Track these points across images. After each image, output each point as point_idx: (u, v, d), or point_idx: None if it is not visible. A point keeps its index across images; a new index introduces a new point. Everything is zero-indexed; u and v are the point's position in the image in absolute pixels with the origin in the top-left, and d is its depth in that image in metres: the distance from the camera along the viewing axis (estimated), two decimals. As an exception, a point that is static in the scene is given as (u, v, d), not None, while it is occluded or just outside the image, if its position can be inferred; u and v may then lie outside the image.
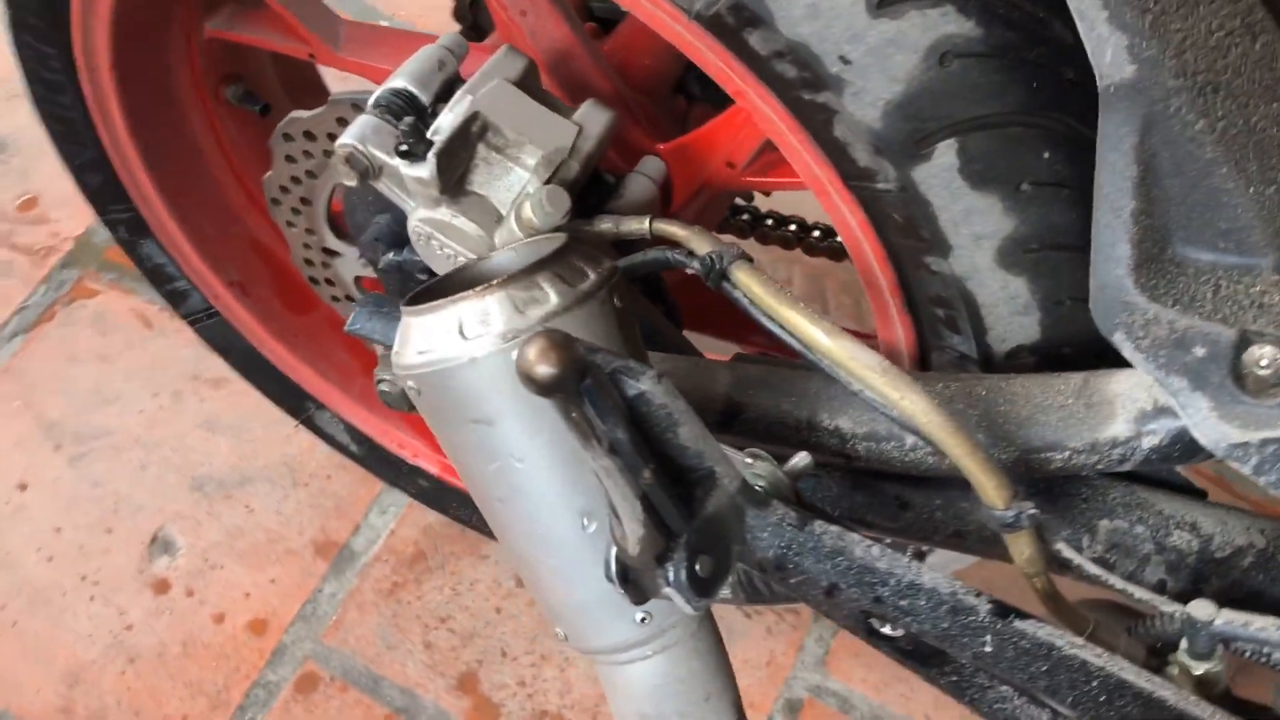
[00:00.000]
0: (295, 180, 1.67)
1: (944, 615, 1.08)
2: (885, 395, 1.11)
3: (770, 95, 1.24)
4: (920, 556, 1.53)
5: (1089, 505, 1.25)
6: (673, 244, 1.29)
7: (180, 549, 2.25)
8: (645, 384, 1.02)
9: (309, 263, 1.79)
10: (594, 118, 1.41)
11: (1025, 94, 1.19)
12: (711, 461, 1.07)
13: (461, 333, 1.14)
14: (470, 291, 1.15)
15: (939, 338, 1.37)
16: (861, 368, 1.12)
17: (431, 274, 1.50)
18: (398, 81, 1.41)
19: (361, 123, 1.37)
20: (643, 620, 1.19)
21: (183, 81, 1.84)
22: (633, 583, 1.07)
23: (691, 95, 1.77)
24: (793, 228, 1.90)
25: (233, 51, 1.86)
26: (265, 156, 1.95)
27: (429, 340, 1.16)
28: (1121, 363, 1.10)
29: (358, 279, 1.78)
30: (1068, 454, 1.18)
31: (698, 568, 1.05)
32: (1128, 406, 1.15)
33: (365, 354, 2.08)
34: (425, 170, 1.33)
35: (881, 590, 1.10)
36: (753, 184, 1.57)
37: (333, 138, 1.59)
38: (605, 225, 1.33)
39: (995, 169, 1.22)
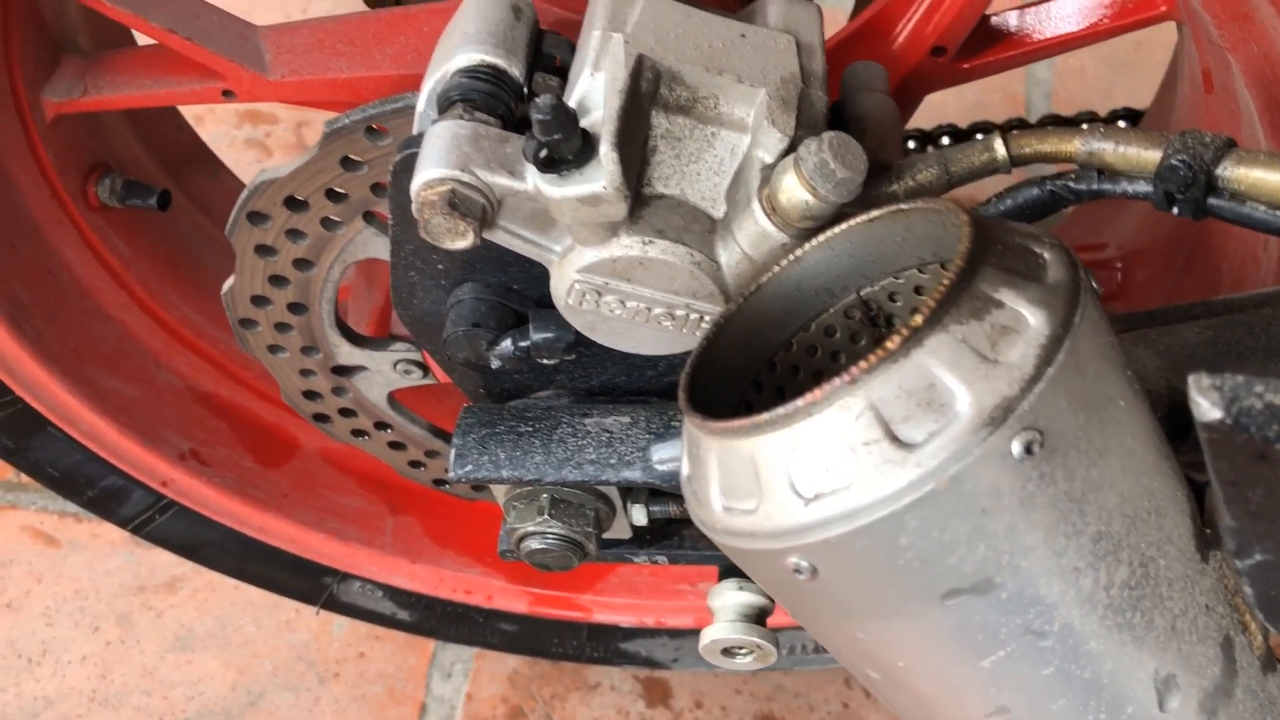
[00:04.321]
0: (277, 281, 1.01)
1: None
2: None
3: None
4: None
5: None
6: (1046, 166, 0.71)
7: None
8: None
9: (311, 395, 1.13)
10: (798, 18, 0.80)
11: None
12: None
13: (894, 437, 0.53)
14: (872, 358, 0.54)
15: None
16: None
17: (580, 348, 0.88)
18: (466, 55, 0.77)
19: (447, 137, 0.73)
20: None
21: (29, 194, 1.15)
22: None
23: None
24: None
25: (91, 131, 1.18)
26: (182, 266, 1.28)
27: (816, 472, 0.55)
28: None
29: (391, 396, 1.14)
30: None
31: None
32: None
33: (388, 488, 1.43)
34: (601, 178, 0.70)
35: None
36: (978, 72, 0.99)
37: (334, 195, 0.94)
38: (928, 171, 0.73)
39: None
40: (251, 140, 1.94)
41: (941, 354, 0.54)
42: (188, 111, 1.44)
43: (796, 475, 0.56)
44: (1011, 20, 0.98)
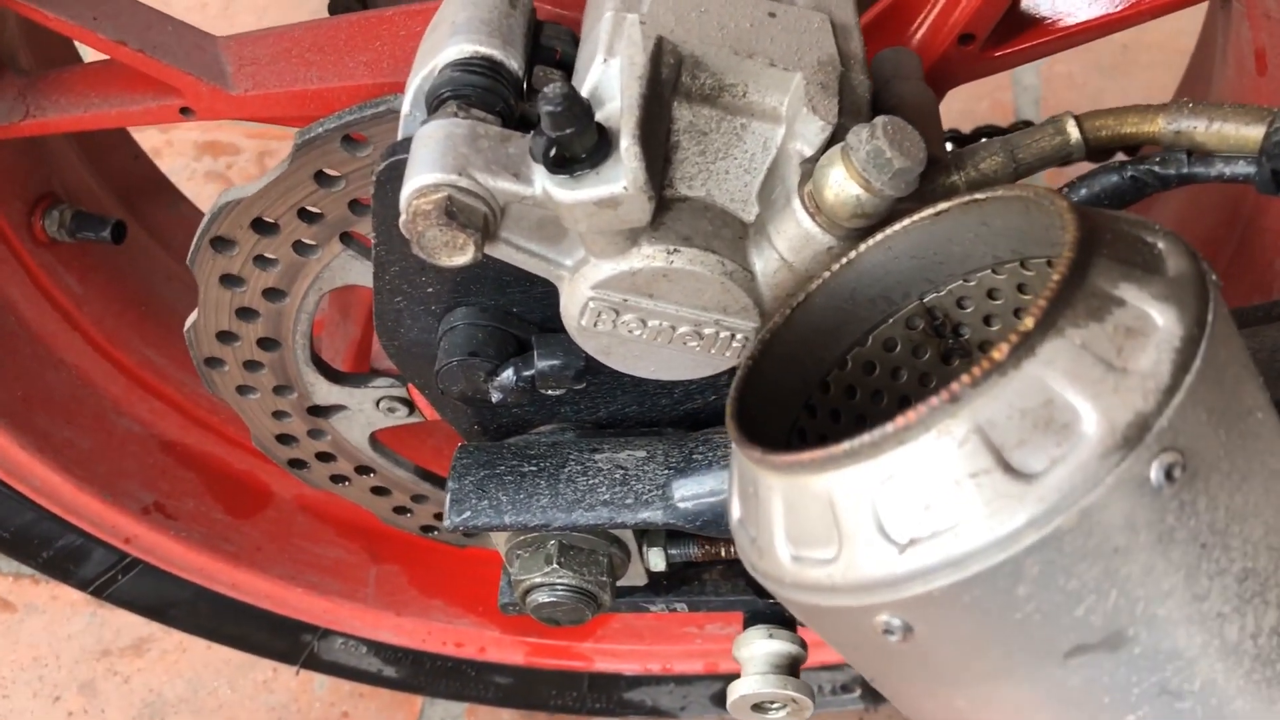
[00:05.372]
0: (246, 314, 0.90)
1: None
2: None
3: None
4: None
5: None
6: (1119, 150, 0.62)
7: None
8: None
9: (285, 439, 1.02)
10: (829, -2, 0.71)
11: None
12: None
13: (1008, 465, 0.44)
14: (976, 371, 0.44)
15: None
16: None
17: (589, 376, 0.78)
18: (458, 46, 0.68)
19: (440, 137, 0.63)
20: None
21: (-32, 231, 1.04)
22: None
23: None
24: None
25: (36, 159, 1.07)
26: (141, 305, 1.18)
27: (913, 511, 0.45)
28: None
29: (373, 437, 1.03)
30: None
31: None
32: None
33: (369, 536, 1.33)
34: (620, 178, 0.61)
35: None
36: (1010, 60, 0.91)
37: (307, 215, 0.84)
38: (993, 159, 0.64)
39: None
40: (212, 173, 1.83)
41: (1059, 363, 0.45)
42: (144, 144, 1.34)
43: (887, 516, 0.46)
44: (1044, 3, 0.90)
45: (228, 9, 1.88)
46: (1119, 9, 0.87)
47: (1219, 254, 1.02)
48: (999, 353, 0.45)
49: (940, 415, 0.45)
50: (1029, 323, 0.45)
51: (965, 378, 0.45)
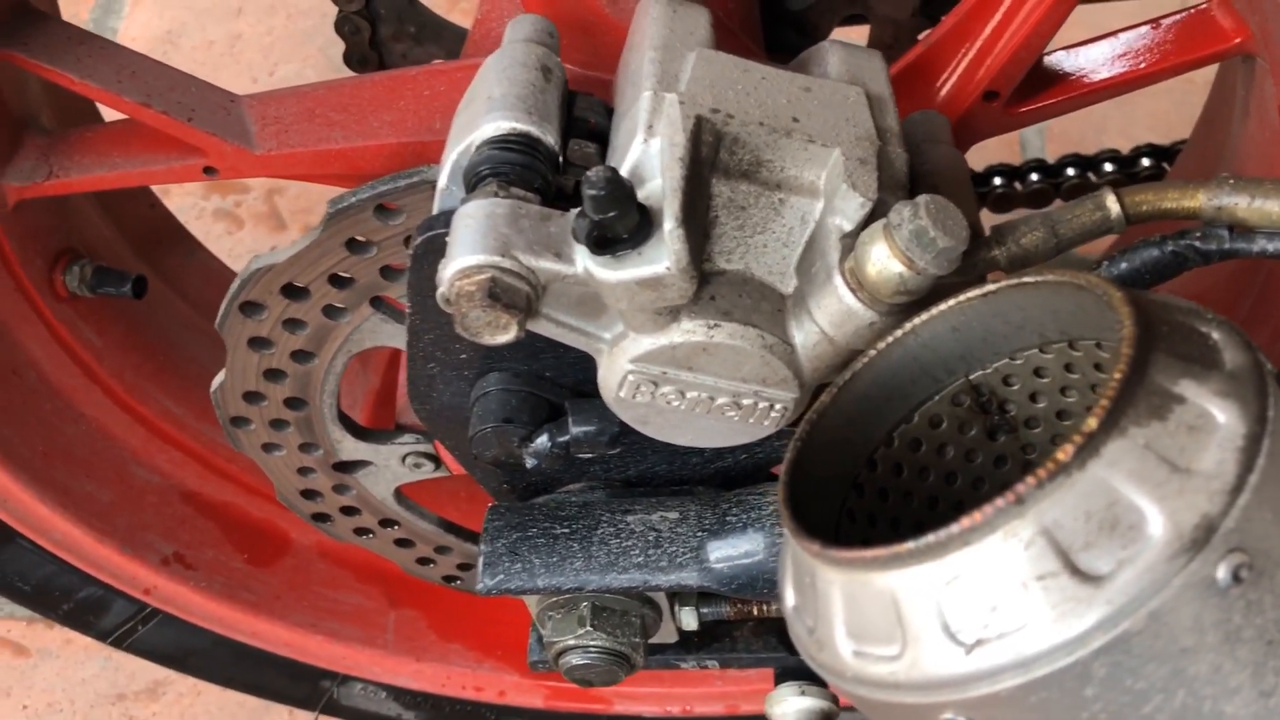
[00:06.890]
0: (274, 375, 0.90)
1: None
2: None
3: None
4: None
5: None
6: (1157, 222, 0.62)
7: None
8: None
9: (310, 495, 1.02)
10: (862, 67, 0.71)
11: None
12: None
13: (1074, 568, 0.44)
14: (1041, 473, 0.44)
15: None
16: None
17: (624, 441, 0.77)
18: (495, 123, 0.67)
19: (482, 218, 0.62)
20: None
21: (-9, 289, 1.03)
22: None
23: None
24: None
25: (56, 215, 1.07)
26: (159, 356, 1.17)
27: (979, 612, 0.45)
28: None
29: (398, 491, 1.02)
30: None
31: None
32: None
33: (387, 581, 1.32)
34: (664, 259, 0.60)
35: None
36: (1033, 117, 0.91)
37: (338, 280, 0.83)
38: (1034, 234, 0.63)
39: None
40: (221, 211, 1.83)
41: (1124, 464, 0.45)
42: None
43: (953, 616, 0.46)
44: (1066, 61, 0.90)
45: (233, 48, 1.87)
46: (1141, 67, 0.88)
47: (1239, 300, 1.02)
48: (1064, 454, 0.45)
49: (1006, 516, 0.45)
50: (1093, 423, 0.45)
51: (1030, 479, 0.45)
